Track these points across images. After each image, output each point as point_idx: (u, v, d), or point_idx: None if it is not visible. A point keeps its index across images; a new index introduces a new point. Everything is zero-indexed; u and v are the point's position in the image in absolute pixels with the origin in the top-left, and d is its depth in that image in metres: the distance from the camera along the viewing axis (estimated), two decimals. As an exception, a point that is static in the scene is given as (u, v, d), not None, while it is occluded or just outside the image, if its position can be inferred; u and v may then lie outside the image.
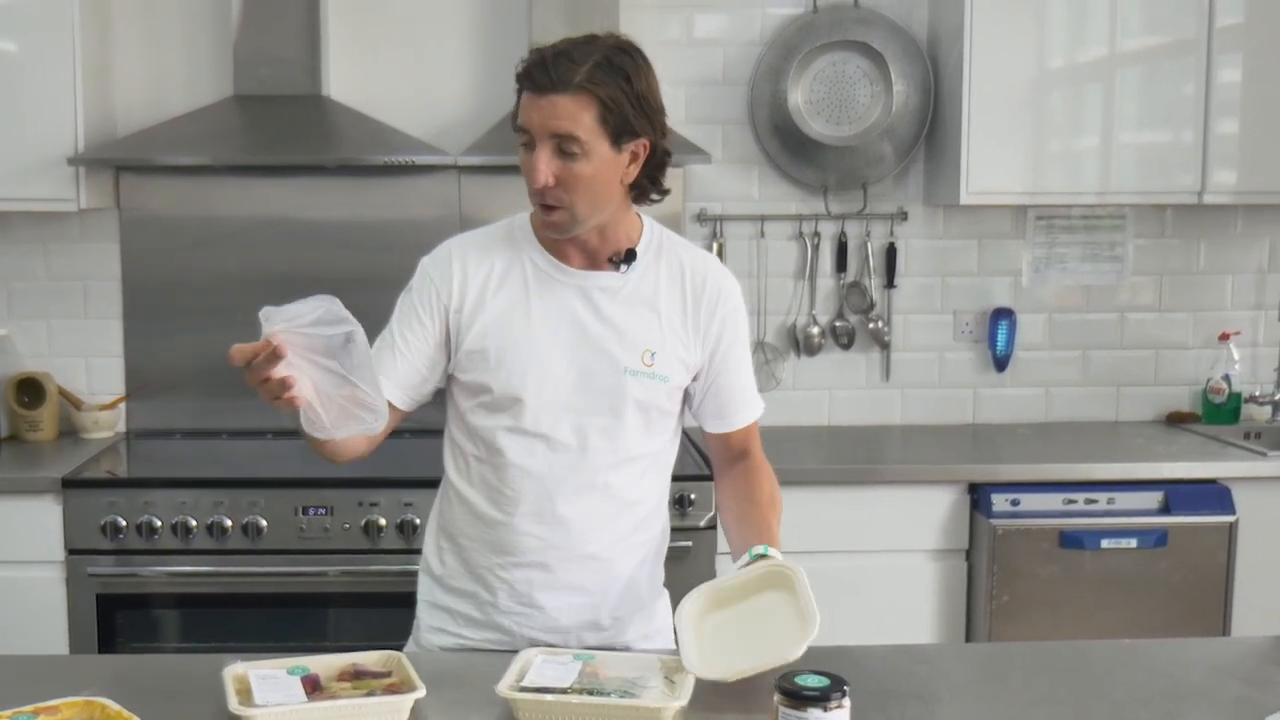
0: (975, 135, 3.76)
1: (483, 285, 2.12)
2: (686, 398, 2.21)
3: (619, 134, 1.99)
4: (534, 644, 2.10)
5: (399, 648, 2.07)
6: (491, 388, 2.10)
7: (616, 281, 2.12)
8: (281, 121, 3.79)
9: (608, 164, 2.01)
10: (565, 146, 1.97)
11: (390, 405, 2.10)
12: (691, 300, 2.15)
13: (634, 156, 2.04)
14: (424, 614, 2.26)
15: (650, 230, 2.18)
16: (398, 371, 2.13)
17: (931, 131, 4.02)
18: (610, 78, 1.97)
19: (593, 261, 2.12)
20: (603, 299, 2.11)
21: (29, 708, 1.68)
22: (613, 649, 2.14)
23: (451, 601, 2.20)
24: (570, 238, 2.09)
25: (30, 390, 3.96)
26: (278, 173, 3.88)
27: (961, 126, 3.77)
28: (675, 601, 2.09)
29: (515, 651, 2.05)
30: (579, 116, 1.96)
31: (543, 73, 1.96)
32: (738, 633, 1.98)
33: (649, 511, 2.22)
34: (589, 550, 2.14)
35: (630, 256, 2.12)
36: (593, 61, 1.96)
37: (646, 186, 2.11)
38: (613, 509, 2.15)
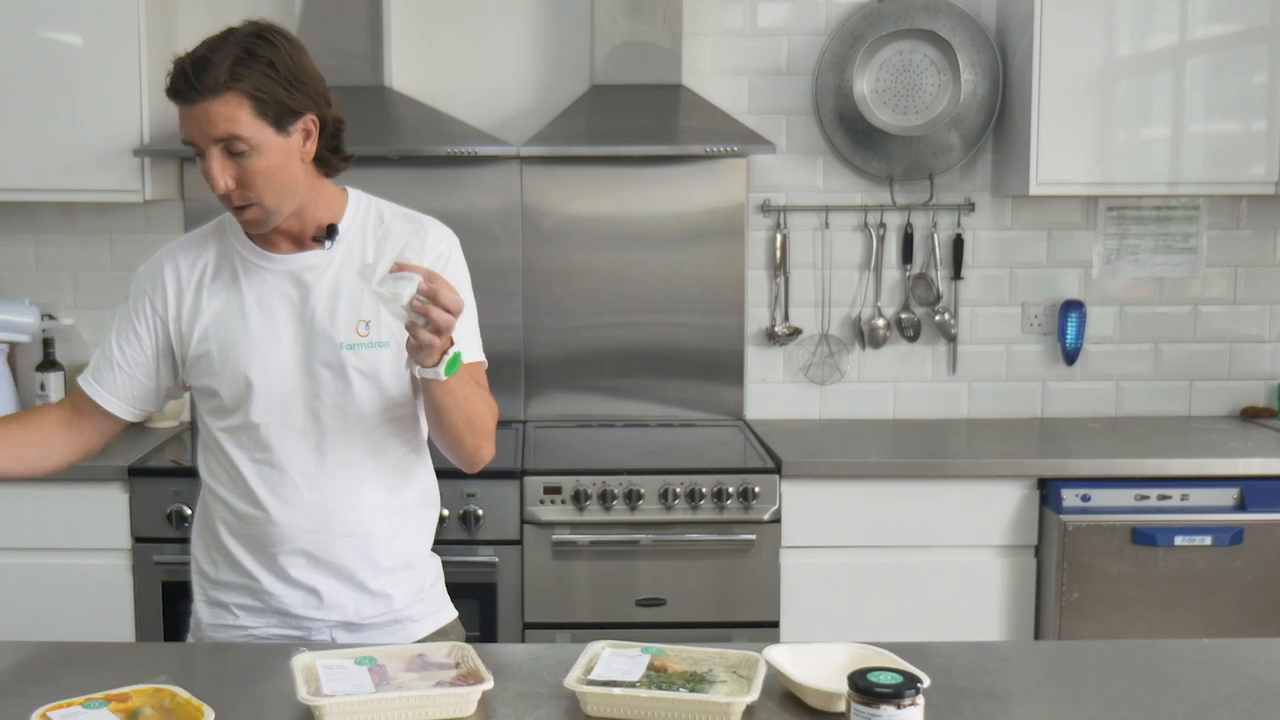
0: (1045, 124, 3.70)
1: (196, 288, 2.13)
2: None
3: (280, 119, 1.98)
4: (314, 624, 2.15)
5: (475, 638, 2.07)
6: (219, 389, 2.12)
7: (323, 259, 2.11)
8: (345, 112, 3.78)
9: (280, 151, 2.00)
10: (233, 147, 1.97)
11: (112, 415, 2.19)
12: (377, 254, 2.12)
13: (306, 134, 2.03)
14: (202, 612, 2.23)
15: (356, 202, 2.17)
16: (117, 384, 2.17)
17: (1000, 121, 3.96)
18: (252, 69, 1.95)
19: (299, 244, 2.12)
20: (312, 278, 2.10)
21: (100, 694, 1.69)
22: (394, 615, 2.18)
23: (226, 595, 2.19)
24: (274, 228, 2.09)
25: (97, 380, 3.99)
26: (341, 163, 3.87)
27: (1031, 116, 3.71)
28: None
29: (303, 638, 2.14)
30: (234, 115, 1.95)
31: (185, 83, 1.95)
32: None
33: (399, 479, 2.19)
34: (344, 527, 2.13)
35: (331, 232, 2.10)
36: (231, 58, 1.95)
37: (329, 158, 2.10)
38: (359, 483, 2.13)
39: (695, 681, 1.81)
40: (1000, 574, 3.55)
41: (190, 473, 3.43)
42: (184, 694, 1.69)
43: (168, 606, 3.44)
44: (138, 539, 3.45)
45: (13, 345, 3.87)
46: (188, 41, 3.98)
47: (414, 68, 4.01)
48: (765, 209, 4.06)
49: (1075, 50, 3.70)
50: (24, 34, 3.63)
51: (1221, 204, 4.09)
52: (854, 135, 3.98)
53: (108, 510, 3.43)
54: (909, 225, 4.07)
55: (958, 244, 4.07)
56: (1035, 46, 3.68)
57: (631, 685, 1.77)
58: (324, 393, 2.09)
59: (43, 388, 3.89)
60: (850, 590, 3.53)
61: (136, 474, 3.43)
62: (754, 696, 1.75)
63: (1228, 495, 3.48)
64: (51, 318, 3.98)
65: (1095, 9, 3.70)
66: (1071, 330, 4.07)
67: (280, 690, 1.81)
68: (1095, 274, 4.12)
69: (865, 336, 4.10)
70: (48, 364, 3.92)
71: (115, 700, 1.68)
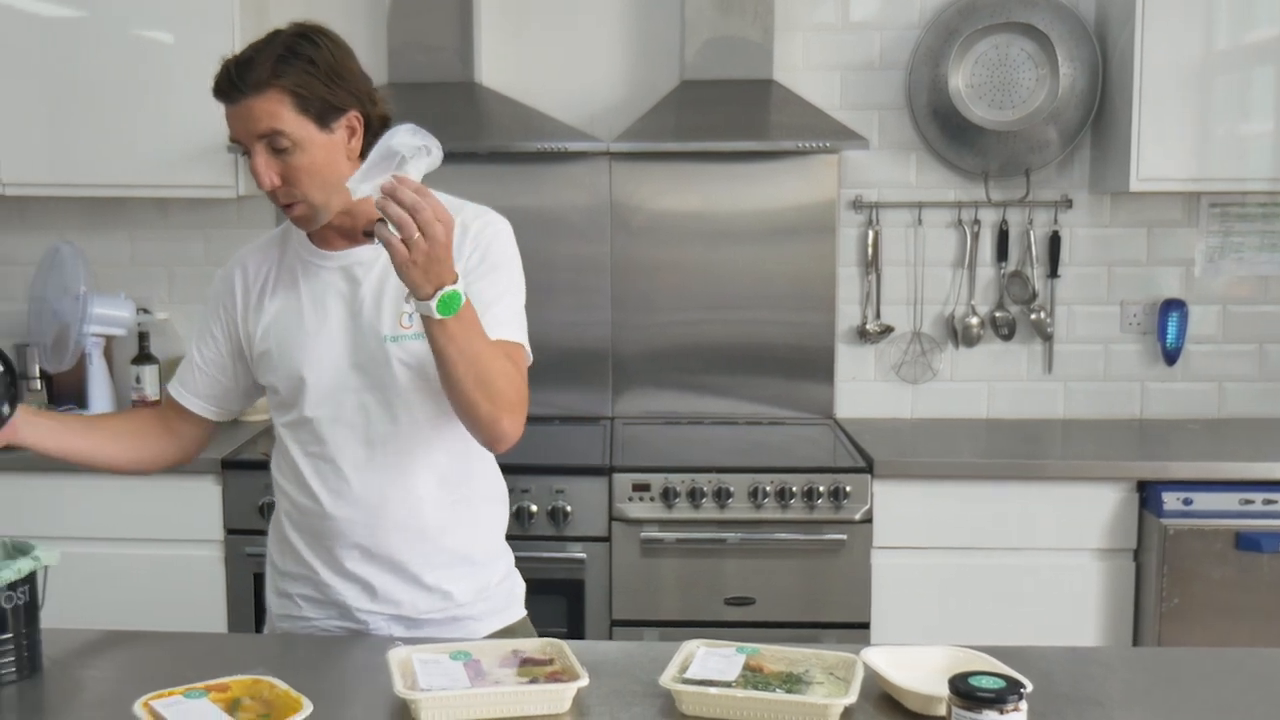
0: (1146, 119, 3.62)
1: (261, 289, 2.18)
2: None
3: (323, 115, 2.00)
4: (369, 616, 2.14)
5: (562, 634, 2.05)
6: (278, 386, 2.15)
7: (372, 254, 2.10)
8: (434, 108, 3.80)
9: (324, 147, 2.01)
10: (276, 144, 1.98)
11: (200, 417, 2.24)
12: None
13: (350, 131, 2.04)
14: (271, 602, 2.26)
15: None
16: (198, 385, 2.24)
17: (1099, 116, 3.88)
18: (293, 66, 1.97)
19: (352, 240, 2.13)
20: (361, 273, 2.10)
21: (200, 684, 1.70)
22: (456, 612, 2.16)
23: (291, 586, 2.21)
24: (325, 225, 2.09)
25: (191, 374, 4.04)
26: (430, 159, 3.88)
27: (1131, 110, 3.63)
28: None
29: (361, 631, 2.14)
30: (276, 112, 1.97)
31: (229, 83, 1.98)
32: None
33: (451, 472, 2.16)
34: (394, 520, 2.12)
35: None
36: (273, 57, 1.97)
37: None
38: (409, 477, 2.12)
39: (792, 682, 1.79)
40: (1097, 578, 3.48)
41: (283, 465, 3.52)
42: (282, 685, 1.70)
43: (259, 597, 3.47)
44: (230, 530, 3.49)
45: (109, 339, 3.93)
46: (282, 39, 4.05)
47: (504, 63, 4.01)
48: (857, 205, 4.02)
49: (1176, 43, 3.61)
50: (119, 33, 3.69)
51: (1329, 201, 3.98)
52: (948, 130, 3.93)
53: (202, 502, 3.48)
54: (1004, 222, 4.00)
55: (1054, 241, 4.00)
56: (1136, 39, 3.60)
57: (727, 685, 1.75)
58: (371, 386, 2.09)
59: (138, 380, 3.95)
60: (943, 592, 3.48)
61: (229, 467, 3.47)
62: (852, 699, 1.72)
63: (1336, 500, 3.39)
64: (146, 312, 4.04)
65: (1196, 1, 3.61)
66: (1172, 330, 3.98)
67: (376, 684, 1.81)
68: (1197, 272, 4.02)
69: (958, 335, 4.05)
70: (143, 357, 3.98)
71: (215, 690, 1.69)
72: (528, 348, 2.12)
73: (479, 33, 3.91)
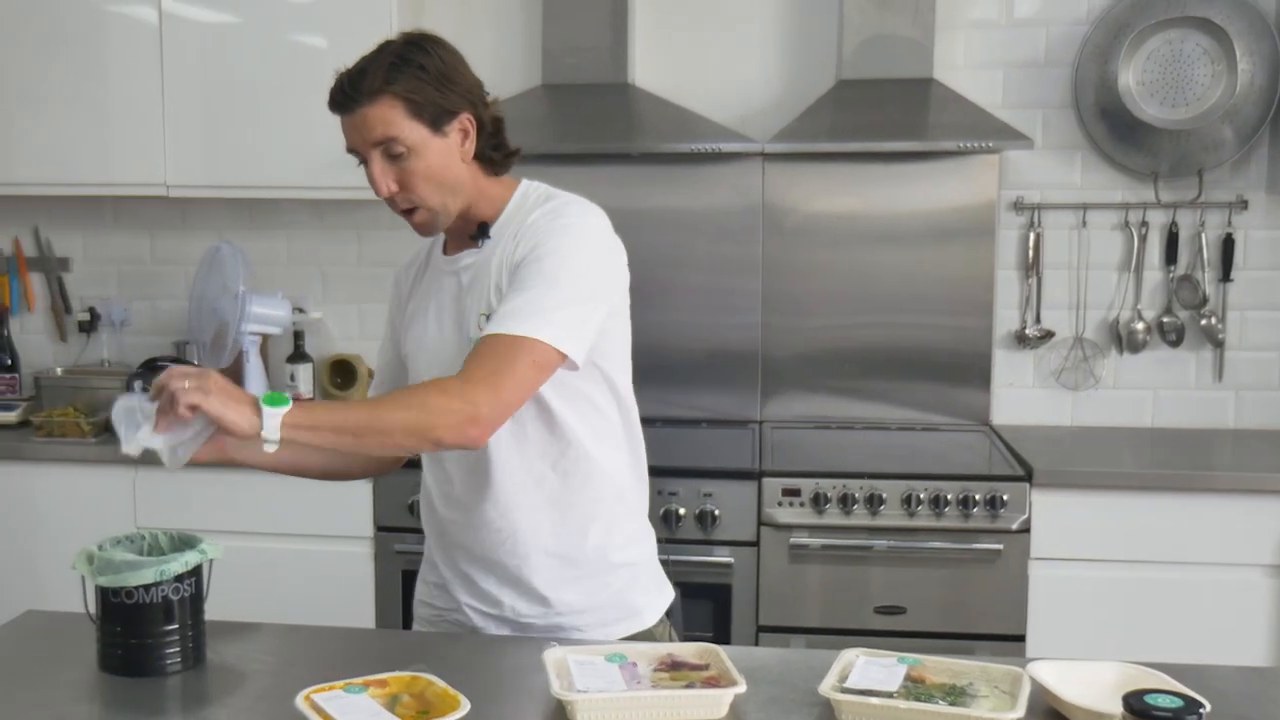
0: (1329, 116, 3.47)
1: (407, 295, 2.25)
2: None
3: (436, 120, 2.01)
4: (477, 615, 2.16)
5: (708, 639, 2.02)
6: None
7: (477, 256, 2.10)
8: (588, 110, 3.81)
9: (439, 151, 2.02)
10: (391, 150, 2.00)
11: None
12: (513, 243, 2.06)
13: (464, 134, 2.05)
14: (416, 589, 2.33)
15: (522, 195, 2.13)
16: (388, 385, 2.31)
17: (1279, 114, 3.72)
18: (404, 73, 1.98)
19: (463, 244, 2.13)
20: (465, 276, 2.12)
21: (360, 680, 1.70)
22: (556, 613, 2.14)
23: (429, 574, 2.27)
24: (447, 229, 2.12)
25: (343, 372, 4.12)
26: (584, 161, 3.88)
27: (1314, 107, 3.48)
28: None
29: (476, 630, 2.15)
30: (390, 118, 1.98)
31: (342, 94, 2.01)
32: None
33: (554, 472, 2.11)
34: (487, 520, 2.12)
35: (483, 231, 2.10)
36: (386, 65, 1.99)
37: (493, 156, 2.11)
38: (503, 478, 2.09)
39: (955, 694, 1.74)
40: (1270, 595, 3.34)
41: (434, 464, 3.55)
42: (440, 683, 1.70)
43: (407, 594, 3.48)
44: (380, 528, 3.53)
45: (265, 337, 4.01)
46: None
47: (657, 64, 4.00)
48: (1018, 207, 3.92)
49: (1364, 36, 3.46)
50: (274, 38, 3.76)
51: None
52: (1116, 129, 3.80)
53: (353, 500, 3.52)
54: (1174, 224, 3.87)
55: (1228, 244, 3.85)
56: (1320, 33, 3.45)
57: (889, 695, 1.71)
58: None
59: (292, 379, 4.02)
60: (1104, 606, 3.37)
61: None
62: (1020, 713, 1.66)
63: None
64: (301, 311, 4.11)
65: (1387, -9, 3.45)
66: (1352, 337, 3.81)
67: (533, 683, 1.81)
68: (1380, 277, 3.84)
69: (1123, 340, 3.92)
70: (298, 356, 4.05)
71: (375, 685, 1.70)
72: (543, 337, 1.91)
73: (633, 33, 3.91)
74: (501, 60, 4.02)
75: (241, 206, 4.17)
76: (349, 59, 3.72)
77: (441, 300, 2.15)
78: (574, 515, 2.14)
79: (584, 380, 2.08)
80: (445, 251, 2.18)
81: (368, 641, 2.22)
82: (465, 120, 2.04)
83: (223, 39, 3.78)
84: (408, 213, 2.08)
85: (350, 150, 2.05)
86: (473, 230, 2.11)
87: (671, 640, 2.23)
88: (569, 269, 1.98)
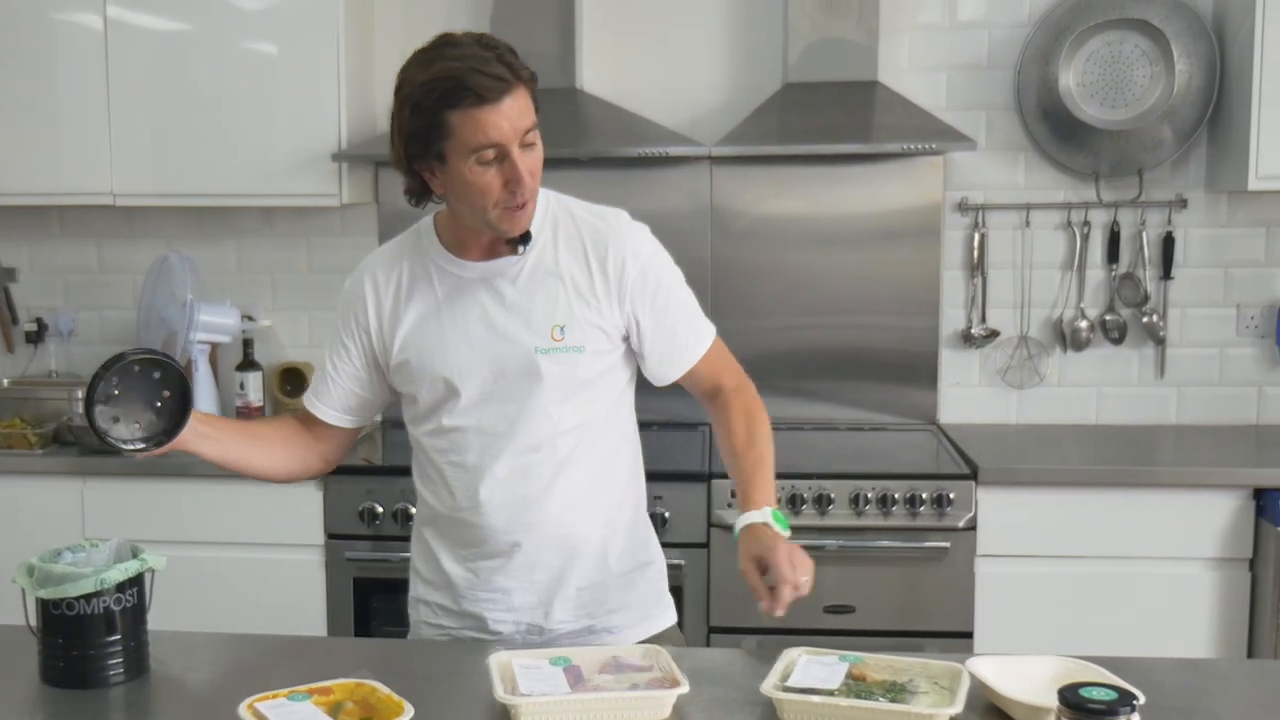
0: (1266, 116, 3.52)
1: (394, 299, 2.14)
2: (635, 358, 2.18)
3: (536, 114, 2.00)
4: (503, 625, 2.15)
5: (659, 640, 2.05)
6: (418, 396, 2.13)
7: (515, 264, 2.08)
8: (536, 114, 3.81)
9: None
10: (527, 140, 1.96)
11: (336, 427, 2.23)
12: (596, 263, 2.09)
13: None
14: (411, 608, 2.28)
15: (544, 203, 2.12)
16: (332, 396, 2.22)
17: (1216, 113, 3.78)
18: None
19: (491, 250, 2.09)
20: (504, 285, 2.08)
21: (304, 688, 1.71)
22: (592, 622, 2.16)
23: (430, 594, 2.22)
24: (471, 235, 2.07)
25: (293, 379, 4.11)
26: (532, 165, 3.89)
27: (1250, 107, 3.53)
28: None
29: (495, 638, 2.13)
30: (529, 106, 1.96)
31: (496, 80, 1.91)
32: None
33: (596, 481, 2.15)
34: (538, 529, 2.12)
35: (526, 238, 2.06)
36: (510, 55, 1.96)
37: None
38: (552, 486, 2.11)
39: (895, 691, 1.76)
40: (1211, 588, 3.38)
41: (382, 471, 3.54)
42: (384, 689, 1.71)
43: (359, 602, 3.51)
44: (331, 535, 3.52)
45: (215, 346, 3.99)
46: (385, 49, 4.11)
47: (604, 68, 4.01)
48: (963, 207, 3.95)
49: (1298, 37, 3.51)
50: (225, 45, 3.75)
51: None
52: (1058, 130, 3.85)
53: (303, 507, 3.52)
54: (1115, 223, 3.92)
55: (1168, 242, 3.90)
56: (1257, 34, 3.50)
57: (830, 693, 1.73)
58: (516, 396, 2.08)
59: (242, 387, 4.01)
60: (1049, 602, 3.41)
61: (331, 472, 3.48)
62: (958, 709, 1.69)
63: None
64: (251, 319, 4.10)
65: (1319, -8, 3.50)
66: (1291, 333, 3.87)
67: (476, 689, 1.81)
68: (1318, 273, 3.91)
69: (1067, 339, 3.96)
70: (247, 364, 4.03)
71: (318, 693, 1.70)
72: (712, 330, 2.24)
73: (580, 38, 3.92)
74: (449, 66, 4.02)
75: (190, 215, 4.14)
76: (299, 66, 3.75)
77: (463, 305, 2.09)
78: (612, 524, 2.19)
79: (618, 399, 2.19)
80: (457, 254, 2.11)
81: (315, 649, 2.21)
82: None
83: (170, 46, 3.76)
84: (522, 206, 2.00)
85: (488, 146, 1.92)
86: (498, 234, 2.06)
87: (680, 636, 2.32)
88: (680, 277, 2.19)
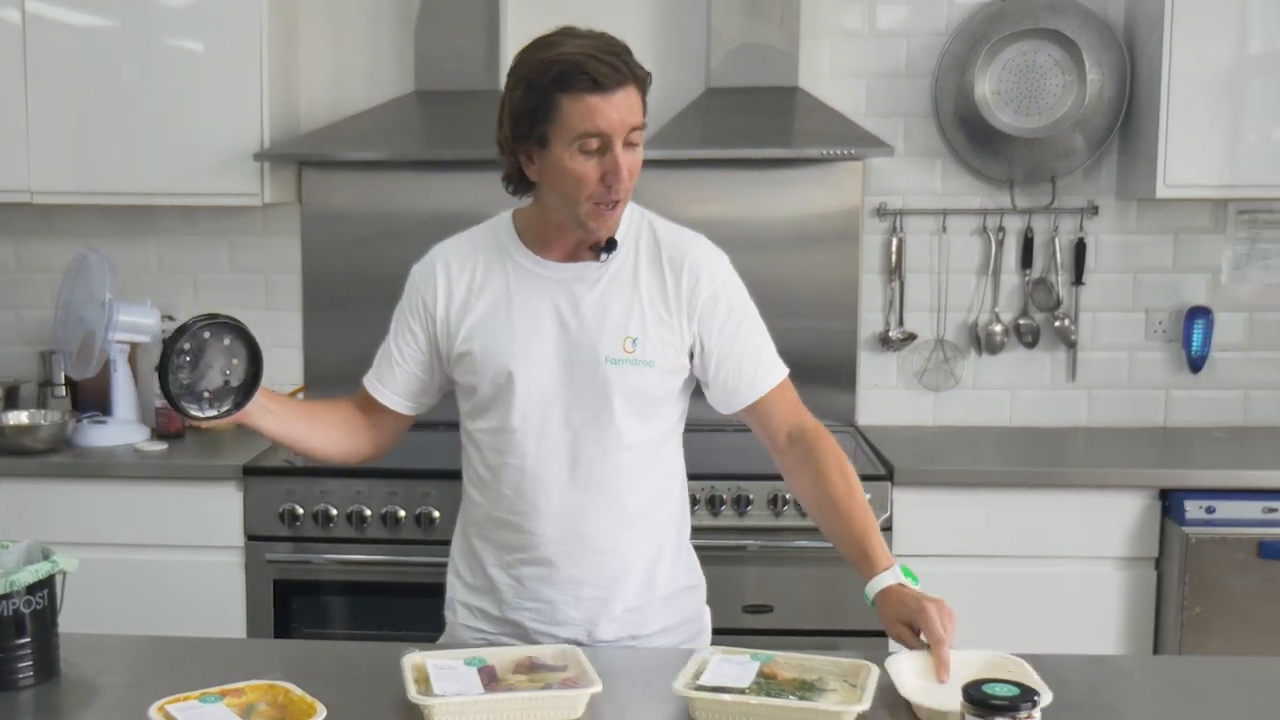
0: (1174, 125, 3.60)
1: (466, 289, 2.13)
2: (699, 383, 2.19)
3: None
4: (544, 638, 2.13)
5: (574, 642, 2.06)
6: (479, 388, 2.11)
7: (596, 270, 2.08)
8: (460, 116, 3.82)
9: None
10: (631, 138, 1.96)
11: (395, 412, 2.19)
12: (671, 279, 2.11)
13: None
14: (449, 609, 2.26)
15: (630, 213, 2.13)
16: (395, 380, 2.19)
17: (1126, 122, 3.86)
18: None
19: (573, 254, 2.09)
20: (582, 290, 2.08)
21: (216, 689, 1.71)
22: (635, 643, 2.16)
23: (472, 598, 2.21)
24: (556, 233, 2.07)
25: (216, 379, 4.06)
26: (456, 167, 3.89)
27: (1159, 116, 3.60)
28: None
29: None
30: (639, 104, 1.97)
31: (612, 70, 1.93)
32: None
33: (651, 501, 2.17)
34: (590, 543, 2.12)
35: (611, 245, 2.07)
36: (627, 53, 1.97)
37: None
38: (610, 500, 2.11)
39: (805, 689, 1.79)
40: (1119, 587, 3.46)
41: (301, 472, 3.52)
42: (297, 691, 1.71)
43: (279, 604, 3.49)
44: (251, 537, 3.50)
45: (134, 346, 3.95)
46: (309, 49, 4.09)
47: (529, 71, 4.00)
48: (881, 213, 4.01)
49: (1207, 49, 3.59)
50: (148, 42, 3.71)
51: (1358, 208, 3.95)
52: (974, 138, 3.91)
53: (222, 508, 3.49)
54: (1029, 229, 3.99)
55: (1080, 248, 3.98)
56: (1165, 45, 3.58)
57: (740, 692, 1.76)
58: (583, 404, 2.07)
59: (164, 386, 3.96)
60: (962, 600, 3.36)
61: (251, 473, 3.48)
62: (865, 706, 1.72)
63: (1362, 510, 3.35)
64: (171, 318, 4.04)
65: (1227, 6, 3.58)
66: (1197, 337, 3.95)
67: (391, 690, 1.81)
68: (1224, 279, 3.99)
69: (982, 342, 4.03)
70: (169, 363, 3.98)
71: (230, 695, 1.70)
72: (785, 370, 2.25)
73: (505, 40, 3.92)
74: (374, 66, 4.02)
75: (110, 213, 4.09)
76: (222, 64, 3.72)
77: (536, 305, 2.08)
78: (660, 542, 2.19)
79: (679, 417, 2.20)
80: (539, 253, 2.10)
81: (231, 651, 2.20)
82: None
83: (91, 43, 3.72)
84: (615, 204, 2.00)
85: (592, 134, 1.93)
86: (589, 241, 2.06)
87: None
88: (753, 310, 2.23)
